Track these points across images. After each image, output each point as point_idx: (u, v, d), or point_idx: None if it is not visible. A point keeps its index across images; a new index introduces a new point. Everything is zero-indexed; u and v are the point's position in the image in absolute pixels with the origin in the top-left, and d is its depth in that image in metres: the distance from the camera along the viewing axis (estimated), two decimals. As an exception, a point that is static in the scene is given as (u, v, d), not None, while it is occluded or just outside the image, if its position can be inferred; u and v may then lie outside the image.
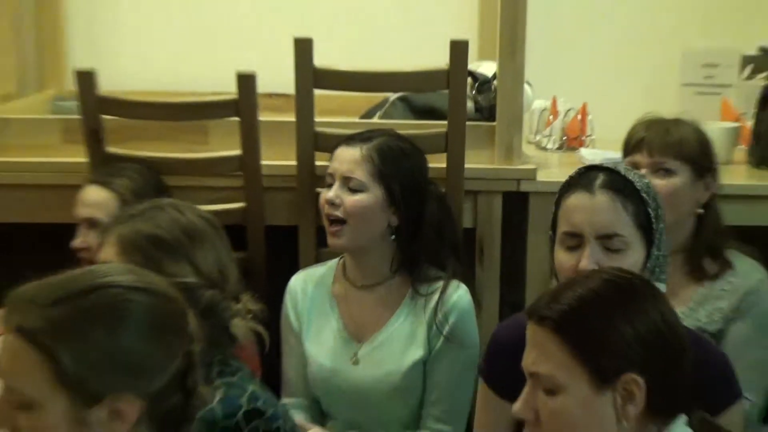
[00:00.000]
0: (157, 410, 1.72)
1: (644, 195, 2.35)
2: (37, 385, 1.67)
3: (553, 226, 2.42)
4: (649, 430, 1.82)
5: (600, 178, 2.35)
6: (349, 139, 2.90)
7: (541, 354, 1.82)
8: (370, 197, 2.81)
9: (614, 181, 2.35)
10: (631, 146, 3.02)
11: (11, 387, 1.70)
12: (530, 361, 1.84)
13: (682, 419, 1.86)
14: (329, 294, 2.96)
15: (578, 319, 1.81)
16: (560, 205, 2.39)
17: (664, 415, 1.83)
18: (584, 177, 2.39)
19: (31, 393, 1.67)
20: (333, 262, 3.02)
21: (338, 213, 2.81)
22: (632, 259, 2.32)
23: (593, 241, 2.32)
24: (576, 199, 2.36)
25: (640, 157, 2.94)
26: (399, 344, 2.86)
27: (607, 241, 2.31)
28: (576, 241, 2.34)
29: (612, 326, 1.80)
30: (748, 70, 3.73)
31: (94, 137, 3.16)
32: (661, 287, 2.30)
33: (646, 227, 2.35)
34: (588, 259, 2.29)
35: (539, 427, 1.83)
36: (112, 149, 3.17)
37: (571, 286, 1.89)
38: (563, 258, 2.36)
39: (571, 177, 2.43)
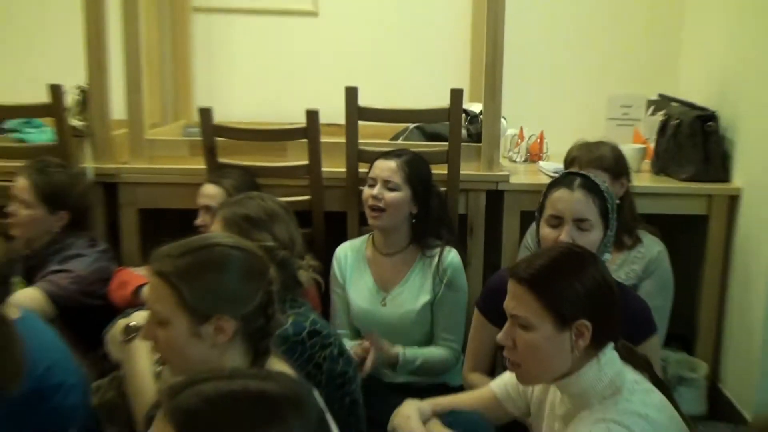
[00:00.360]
0: (247, 328, 1.77)
1: (606, 194, 2.39)
2: (168, 308, 1.74)
3: (540, 211, 2.43)
4: (590, 353, 1.83)
5: (578, 180, 2.38)
6: (386, 154, 2.93)
7: (519, 302, 1.83)
8: (402, 195, 2.85)
9: (587, 183, 2.38)
10: (568, 161, 3.06)
11: (153, 310, 1.77)
12: (511, 306, 1.85)
13: (611, 346, 1.87)
14: (364, 258, 2.98)
15: (546, 280, 1.82)
16: (547, 197, 2.41)
17: (601, 345, 1.84)
18: (567, 178, 2.42)
19: (165, 314, 1.74)
20: (365, 237, 3.05)
21: (380, 204, 2.84)
22: (595, 236, 2.36)
23: (570, 222, 2.35)
24: (560, 193, 2.38)
25: (574, 169, 2.92)
26: (413, 292, 2.89)
27: (580, 223, 2.35)
28: (557, 221, 2.37)
29: (569, 285, 1.81)
30: (651, 110, 3.72)
31: (210, 152, 3.20)
32: (608, 256, 2.39)
33: (606, 215, 2.38)
34: (566, 235, 2.33)
35: (515, 351, 1.85)
36: (222, 159, 3.20)
37: (540, 256, 1.90)
38: (548, 233, 2.38)
39: (556, 178, 2.46)
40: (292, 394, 1.21)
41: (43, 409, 2.30)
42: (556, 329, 1.81)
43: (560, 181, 2.42)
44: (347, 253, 3.00)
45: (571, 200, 2.36)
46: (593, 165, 2.93)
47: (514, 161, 3.86)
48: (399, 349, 2.79)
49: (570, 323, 1.81)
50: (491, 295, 2.53)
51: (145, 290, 2.68)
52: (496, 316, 2.43)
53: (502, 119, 3.39)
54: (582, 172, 2.50)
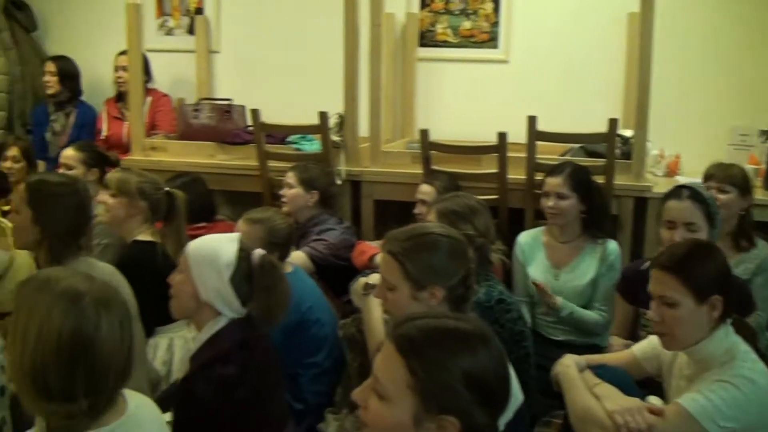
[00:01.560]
0: (451, 295, 1.73)
1: (709, 201, 2.28)
2: (395, 278, 1.73)
3: (660, 217, 2.33)
4: (717, 324, 1.72)
5: (686, 192, 2.29)
6: (552, 172, 2.79)
7: (664, 285, 1.72)
8: (570, 201, 2.71)
9: (693, 193, 2.28)
10: (706, 176, 2.82)
11: (384, 278, 1.76)
12: (658, 289, 1.75)
13: (729, 320, 1.75)
14: (541, 244, 2.81)
15: (685, 264, 1.72)
16: (664, 205, 2.32)
17: (725, 317, 1.73)
18: (677, 191, 2.32)
19: (393, 282, 1.73)
20: (542, 228, 2.86)
21: (555, 211, 2.72)
22: (702, 235, 2.23)
23: (682, 226, 2.24)
24: (672, 203, 2.29)
25: (711, 184, 2.74)
26: (582, 270, 2.72)
27: (689, 226, 2.24)
28: (672, 225, 2.27)
29: (704, 267, 1.72)
30: (763, 138, 3.43)
31: (426, 161, 3.21)
32: None
33: (710, 219, 2.25)
34: (679, 236, 2.22)
35: (663, 325, 1.75)
36: (434, 167, 3.21)
37: (676, 248, 1.81)
38: (666, 234, 2.29)
39: (670, 191, 2.36)
40: (480, 332, 1.21)
41: (305, 336, 2.40)
42: (696, 304, 1.70)
43: (672, 193, 2.32)
44: (527, 240, 2.86)
45: (680, 208, 2.26)
46: (726, 181, 2.72)
47: (656, 175, 3.61)
48: (558, 298, 2.67)
49: (707, 298, 1.69)
50: (624, 280, 2.49)
51: (378, 257, 2.72)
52: (628, 296, 2.44)
53: (648, 143, 3.20)
54: (689, 184, 2.37)
